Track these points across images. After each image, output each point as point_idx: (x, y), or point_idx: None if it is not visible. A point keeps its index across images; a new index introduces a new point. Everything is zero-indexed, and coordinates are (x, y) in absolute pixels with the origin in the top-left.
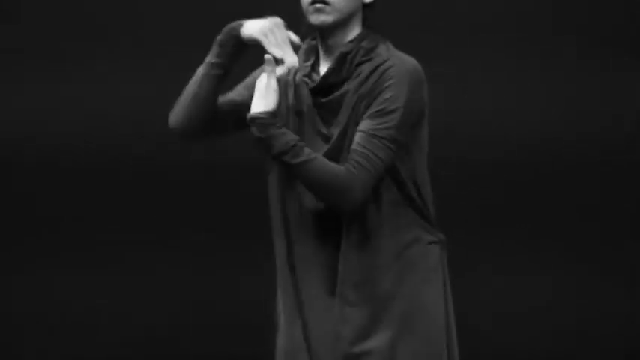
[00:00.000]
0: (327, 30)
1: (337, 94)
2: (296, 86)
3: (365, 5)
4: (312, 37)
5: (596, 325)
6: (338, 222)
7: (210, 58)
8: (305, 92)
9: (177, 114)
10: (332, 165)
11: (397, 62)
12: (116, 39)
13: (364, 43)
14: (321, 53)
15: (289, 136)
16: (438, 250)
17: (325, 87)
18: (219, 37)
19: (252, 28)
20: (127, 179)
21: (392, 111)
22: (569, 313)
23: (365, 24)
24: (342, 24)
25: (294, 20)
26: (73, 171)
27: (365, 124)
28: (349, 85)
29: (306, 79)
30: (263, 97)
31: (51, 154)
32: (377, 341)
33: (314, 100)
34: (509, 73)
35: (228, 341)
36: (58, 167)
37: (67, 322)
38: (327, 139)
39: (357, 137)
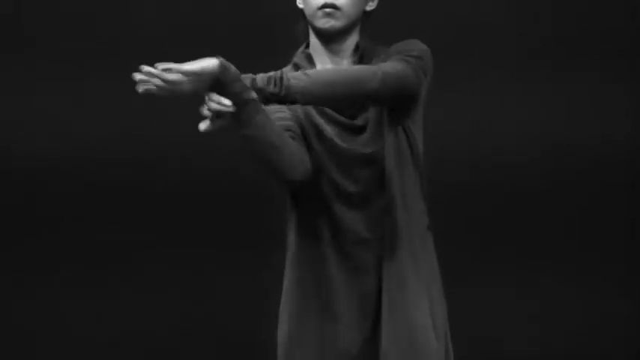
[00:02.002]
0: (333, 35)
1: None
2: None
3: (364, 13)
4: (306, 45)
5: (596, 326)
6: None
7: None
8: None
9: (290, 170)
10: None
11: None
12: (119, 46)
13: (370, 45)
14: (324, 56)
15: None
16: (432, 236)
17: None
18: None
19: None
20: (126, 192)
21: (411, 50)
22: (568, 314)
23: (362, 30)
24: (347, 29)
25: (290, 23)
26: (72, 178)
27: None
28: None
29: None
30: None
31: (51, 159)
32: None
33: None
34: (497, 88)
35: (227, 351)
36: (57, 172)
37: (66, 325)
38: (352, 127)
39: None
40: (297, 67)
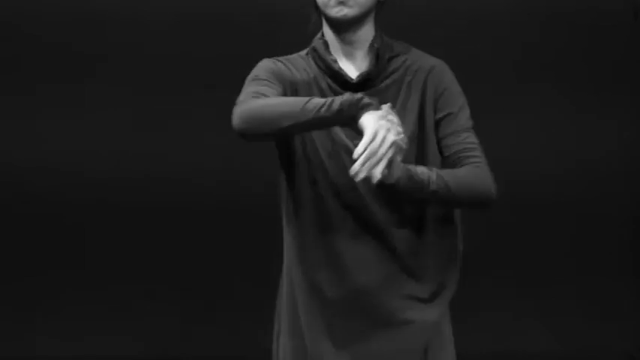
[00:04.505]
0: (346, 24)
1: (381, 86)
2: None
3: (378, 3)
4: (321, 35)
5: (596, 325)
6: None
7: (326, 113)
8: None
9: (251, 127)
10: (460, 172)
11: (436, 61)
12: (120, 47)
13: (386, 39)
14: (337, 47)
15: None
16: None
17: (363, 81)
18: (342, 105)
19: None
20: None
21: (464, 105)
22: (568, 314)
23: (377, 21)
24: (361, 19)
25: (298, 18)
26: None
27: (454, 124)
28: (389, 79)
29: (343, 72)
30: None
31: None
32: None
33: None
34: (495, 91)
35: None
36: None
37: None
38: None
39: (457, 137)
40: (315, 53)
